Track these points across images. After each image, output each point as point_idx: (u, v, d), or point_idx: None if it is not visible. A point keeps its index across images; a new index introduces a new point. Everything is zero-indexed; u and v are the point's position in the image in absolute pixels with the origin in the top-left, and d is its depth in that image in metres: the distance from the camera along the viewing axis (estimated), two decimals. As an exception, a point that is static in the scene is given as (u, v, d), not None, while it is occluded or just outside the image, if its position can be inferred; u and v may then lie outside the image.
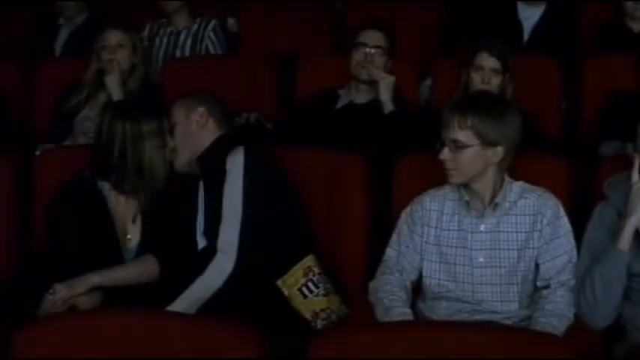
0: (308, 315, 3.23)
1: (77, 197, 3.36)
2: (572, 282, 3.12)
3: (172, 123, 3.40)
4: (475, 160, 3.10)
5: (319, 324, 3.24)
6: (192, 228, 3.39)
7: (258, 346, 2.40)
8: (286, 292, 3.22)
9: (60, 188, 3.43)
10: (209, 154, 3.38)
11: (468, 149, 3.08)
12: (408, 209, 3.31)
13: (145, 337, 2.44)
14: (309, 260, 3.28)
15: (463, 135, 3.07)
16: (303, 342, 2.46)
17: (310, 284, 3.24)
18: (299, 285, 3.21)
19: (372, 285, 3.26)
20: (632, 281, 3.09)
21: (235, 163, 3.31)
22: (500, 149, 3.11)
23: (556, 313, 3.06)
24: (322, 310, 3.26)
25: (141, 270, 3.32)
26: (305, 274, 3.23)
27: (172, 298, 3.19)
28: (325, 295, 3.28)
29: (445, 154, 3.11)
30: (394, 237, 3.31)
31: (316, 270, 3.28)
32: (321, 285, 3.28)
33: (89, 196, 3.36)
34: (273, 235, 3.31)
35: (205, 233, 3.35)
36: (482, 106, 3.14)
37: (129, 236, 3.39)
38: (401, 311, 3.12)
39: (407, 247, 3.25)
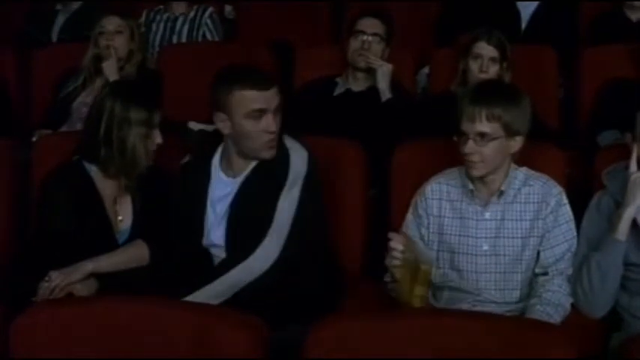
0: (417, 304, 3.00)
1: (68, 181, 3.35)
2: (570, 271, 3.13)
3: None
4: (500, 152, 3.09)
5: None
6: (197, 222, 3.34)
7: (253, 333, 2.41)
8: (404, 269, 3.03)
9: (49, 173, 3.41)
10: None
11: (494, 141, 3.06)
12: (414, 200, 3.29)
13: (141, 323, 2.44)
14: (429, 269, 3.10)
15: (490, 127, 3.04)
16: (303, 331, 2.45)
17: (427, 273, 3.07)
18: (424, 268, 3.00)
19: None
20: (628, 270, 3.09)
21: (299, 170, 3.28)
22: (519, 139, 3.10)
23: (553, 302, 3.06)
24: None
25: (133, 255, 3.31)
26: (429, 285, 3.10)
27: (163, 283, 3.19)
28: None
29: (470, 147, 3.07)
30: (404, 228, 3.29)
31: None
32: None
33: (79, 179, 3.35)
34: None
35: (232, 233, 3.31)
36: (506, 96, 3.11)
37: (120, 217, 3.38)
38: None
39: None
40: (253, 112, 3.16)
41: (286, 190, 3.24)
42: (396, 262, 2.97)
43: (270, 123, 3.18)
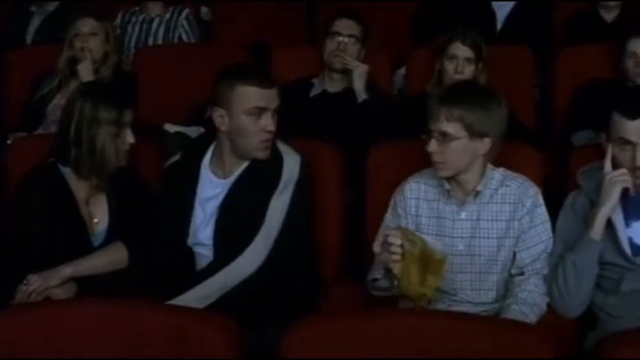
0: (430, 294, 2.95)
1: (42, 184, 3.33)
2: (546, 271, 3.13)
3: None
4: (463, 153, 3.07)
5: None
6: (183, 222, 3.34)
7: (229, 335, 2.41)
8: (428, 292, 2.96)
9: (24, 175, 3.40)
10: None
11: (456, 142, 3.04)
12: (393, 199, 3.29)
13: (120, 326, 2.44)
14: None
15: (451, 127, 3.04)
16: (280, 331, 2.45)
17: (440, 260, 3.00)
18: (438, 257, 2.95)
19: None
20: (604, 269, 3.10)
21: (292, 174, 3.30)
22: (487, 140, 3.08)
23: (529, 302, 3.06)
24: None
25: (112, 258, 3.30)
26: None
27: (144, 286, 3.18)
28: None
29: (432, 146, 3.07)
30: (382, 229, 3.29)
31: None
32: None
33: (53, 182, 3.34)
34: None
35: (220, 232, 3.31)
36: (469, 97, 3.10)
37: (96, 220, 3.37)
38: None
39: None
40: (254, 109, 3.20)
41: (278, 194, 3.26)
42: (396, 257, 2.91)
43: (268, 122, 3.22)
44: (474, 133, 3.05)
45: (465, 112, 3.03)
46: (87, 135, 3.28)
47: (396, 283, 2.96)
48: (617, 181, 3.04)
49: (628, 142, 3.04)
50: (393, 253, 2.91)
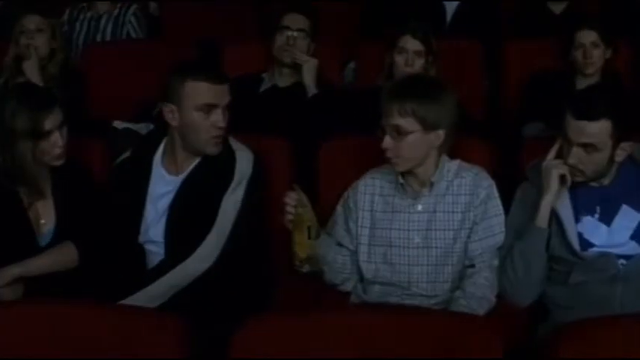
0: (303, 255, 3.15)
1: None
2: (497, 262, 3.15)
3: None
4: (418, 146, 3.09)
5: (306, 268, 3.20)
6: (134, 219, 3.33)
7: (178, 334, 2.40)
8: (299, 223, 3.13)
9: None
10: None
11: (410, 135, 3.06)
12: (346, 193, 3.30)
13: (68, 327, 2.44)
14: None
15: (404, 121, 3.05)
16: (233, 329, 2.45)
17: (316, 229, 3.15)
18: (310, 223, 3.12)
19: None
20: (553, 262, 3.13)
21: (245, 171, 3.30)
22: (441, 132, 3.10)
23: (476, 296, 3.07)
24: (314, 256, 3.18)
25: (61, 257, 3.26)
26: (315, 218, 3.16)
27: (95, 285, 3.15)
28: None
29: (387, 142, 3.07)
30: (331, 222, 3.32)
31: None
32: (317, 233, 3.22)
33: None
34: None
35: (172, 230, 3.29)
36: (420, 90, 3.11)
37: (43, 221, 3.32)
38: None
39: (343, 234, 3.26)
40: (204, 105, 3.20)
41: (231, 191, 3.27)
42: (289, 217, 3.08)
43: (219, 118, 3.23)
44: (428, 126, 3.06)
45: (418, 105, 3.04)
46: (7, 148, 3.21)
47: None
48: (552, 167, 3.08)
49: (570, 140, 3.06)
50: (287, 212, 3.06)
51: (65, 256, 3.27)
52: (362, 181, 3.26)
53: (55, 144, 3.23)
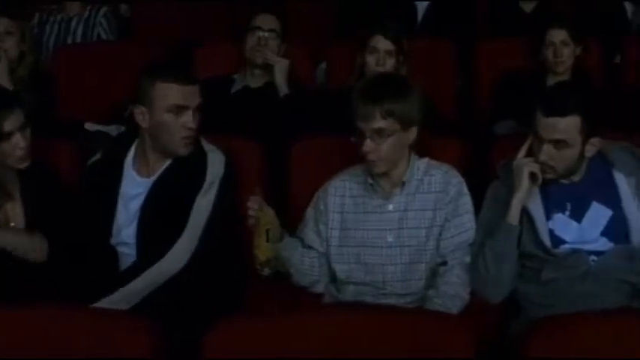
0: (263, 258, 3.17)
1: None
2: (469, 259, 3.16)
3: None
4: (397, 146, 3.10)
5: (266, 271, 3.21)
6: (105, 220, 3.30)
7: (151, 337, 2.39)
8: (257, 227, 3.17)
9: None
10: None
11: (392, 136, 3.07)
12: (316, 195, 3.30)
13: (40, 328, 2.44)
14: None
15: (386, 123, 3.05)
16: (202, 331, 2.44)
17: (275, 231, 3.17)
18: (269, 226, 3.15)
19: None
20: (525, 259, 3.14)
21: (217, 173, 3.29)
22: (414, 129, 3.12)
23: (449, 294, 3.08)
24: (274, 259, 3.20)
25: (28, 241, 3.23)
26: (275, 221, 3.18)
27: (67, 287, 3.14)
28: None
29: (369, 146, 3.07)
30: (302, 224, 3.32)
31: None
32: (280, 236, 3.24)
33: None
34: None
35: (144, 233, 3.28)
36: (394, 89, 3.12)
37: (12, 223, 3.29)
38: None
39: (313, 237, 3.26)
40: (174, 106, 3.20)
41: (203, 192, 3.26)
42: (252, 222, 3.12)
43: (189, 119, 3.23)
44: (405, 124, 3.09)
45: (397, 105, 3.06)
46: None
47: None
48: (523, 165, 3.09)
49: (541, 137, 3.08)
50: (250, 216, 3.09)
51: (34, 242, 3.24)
52: (332, 183, 3.27)
53: (17, 145, 3.21)
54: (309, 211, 3.29)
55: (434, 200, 3.16)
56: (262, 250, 3.15)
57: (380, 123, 3.05)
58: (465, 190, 3.20)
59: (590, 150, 3.10)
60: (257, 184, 3.27)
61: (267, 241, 3.14)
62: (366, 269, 3.17)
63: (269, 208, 3.14)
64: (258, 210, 3.12)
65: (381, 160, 3.10)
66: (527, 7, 5.35)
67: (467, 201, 3.19)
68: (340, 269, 3.21)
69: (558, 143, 3.05)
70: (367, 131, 3.06)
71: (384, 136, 3.06)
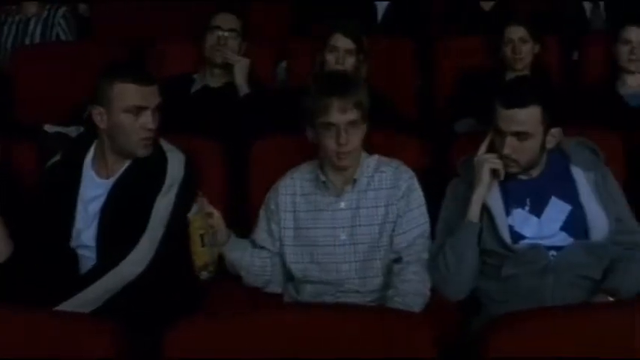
0: (200, 263, 3.20)
1: None
2: (426, 255, 3.17)
3: None
4: (361, 138, 3.13)
5: (204, 275, 3.24)
6: (65, 223, 3.28)
7: (112, 339, 2.38)
8: (191, 232, 3.20)
9: None
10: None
11: (360, 128, 3.11)
12: (267, 195, 3.30)
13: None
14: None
15: (357, 114, 3.08)
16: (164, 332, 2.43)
17: (210, 235, 3.18)
18: (202, 231, 3.16)
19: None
20: (485, 256, 3.15)
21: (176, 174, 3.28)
22: (366, 123, 3.14)
23: (410, 292, 3.08)
24: (212, 263, 3.23)
25: None
26: (209, 226, 3.18)
27: (26, 290, 3.11)
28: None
29: (343, 138, 3.08)
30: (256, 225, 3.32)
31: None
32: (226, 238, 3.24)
33: None
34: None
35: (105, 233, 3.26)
36: (355, 82, 3.20)
37: None
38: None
39: (265, 237, 3.27)
40: (132, 107, 3.19)
41: (163, 193, 3.25)
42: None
43: (148, 120, 3.21)
44: (365, 116, 3.11)
45: (363, 96, 3.11)
46: None
47: None
48: (484, 161, 3.11)
49: (502, 130, 3.09)
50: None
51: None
52: (281, 182, 3.28)
53: None
54: (261, 212, 3.30)
55: (385, 196, 3.17)
56: (198, 255, 3.18)
57: (353, 114, 3.08)
58: (417, 184, 3.21)
59: (551, 141, 3.13)
60: (225, 183, 3.26)
61: (203, 246, 3.17)
62: (320, 268, 3.18)
63: (213, 211, 3.15)
64: (192, 215, 3.14)
65: (351, 154, 3.12)
66: (487, 6, 5.37)
67: (418, 195, 3.21)
68: (296, 268, 3.22)
69: (520, 135, 3.07)
70: (342, 124, 3.07)
71: (356, 127, 3.08)
